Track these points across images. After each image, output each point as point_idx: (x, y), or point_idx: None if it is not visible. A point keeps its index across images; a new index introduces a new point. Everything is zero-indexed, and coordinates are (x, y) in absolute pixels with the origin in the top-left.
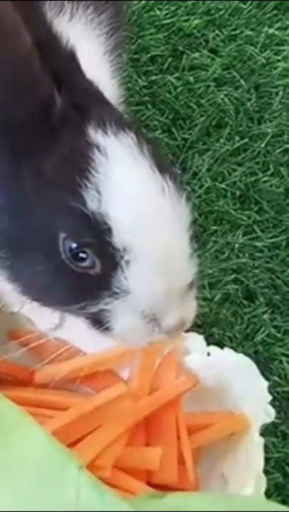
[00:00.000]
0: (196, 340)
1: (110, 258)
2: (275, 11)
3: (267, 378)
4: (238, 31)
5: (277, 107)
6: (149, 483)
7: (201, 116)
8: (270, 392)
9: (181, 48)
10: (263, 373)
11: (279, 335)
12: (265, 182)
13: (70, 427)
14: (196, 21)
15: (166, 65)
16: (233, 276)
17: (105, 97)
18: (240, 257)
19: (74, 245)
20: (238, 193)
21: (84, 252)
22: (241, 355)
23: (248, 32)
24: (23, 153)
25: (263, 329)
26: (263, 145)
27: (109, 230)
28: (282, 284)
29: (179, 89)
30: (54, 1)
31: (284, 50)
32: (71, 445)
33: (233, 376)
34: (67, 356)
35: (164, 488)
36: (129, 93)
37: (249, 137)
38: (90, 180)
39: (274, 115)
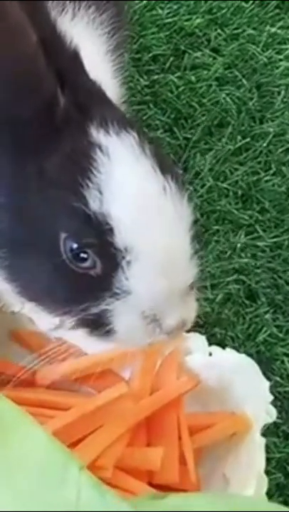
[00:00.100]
0: (197, 341)
1: (111, 258)
2: (277, 10)
3: (269, 378)
4: (240, 30)
5: (279, 106)
6: (150, 484)
7: (203, 115)
8: (272, 392)
9: (182, 47)
10: (264, 373)
11: (281, 335)
12: (267, 181)
13: (71, 427)
14: (198, 20)
15: (167, 65)
16: (235, 276)
17: (108, 97)
18: (242, 257)
19: (75, 245)
20: (240, 192)
21: (85, 253)
22: (243, 356)
23: (250, 31)
24: (26, 152)
25: (265, 329)
26: (264, 144)
27: (110, 230)
28: (284, 283)
29: (180, 89)
30: (56, 1)
31: (286, 49)
32: (72, 445)
33: (235, 376)
34: (69, 356)
35: (166, 488)
36: (130, 92)
37: (251, 136)
38: (91, 180)
39: (276, 114)
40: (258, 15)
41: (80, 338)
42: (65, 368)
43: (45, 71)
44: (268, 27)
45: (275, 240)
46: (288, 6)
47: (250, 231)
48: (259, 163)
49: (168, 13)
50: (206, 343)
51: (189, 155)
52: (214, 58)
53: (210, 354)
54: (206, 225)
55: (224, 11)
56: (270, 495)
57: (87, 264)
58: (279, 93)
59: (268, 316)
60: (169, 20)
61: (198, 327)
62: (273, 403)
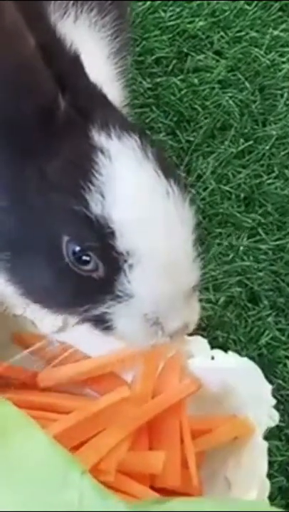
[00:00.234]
0: (199, 344)
1: (114, 261)
2: (280, 13)
3: (271, 381)
4: (242, 33)
5: (282, 109)
6: (152, 487)
7: (206, 118)
8: (275, 396)
9: (185, 50)
10: (267, 376)
11: (283, 338)
12: (269, 184)
13: (73, 431)
14: (201, 23)
15: (170, 67)
16: (238, 278)
17: (109, 100)
18: (245, 260)
19: (77, 248)
20: (242, 195)
21: (87, 256)
22: (245, 359)
23: (252, 34)
24: (27, 155)
25: (267, 332)
26: (267, 147)
27: (112, 234)
28: (286, 286)
29: (183, 92)
30: (58, 4)
31: None
32: (74, 448)
33: (237, 380)
34: (71, 359)
35: (168, 492)
36: (133, 95)
37: (254, 139)
38: (93, 184)
39: (279, 117)
40: (260, 17)
41: (82, 341)
42: (67, 370)
43: (44, 74)
44: (270, 30)
45: (277, 242)
46: None
47: (252, 234)
48: (262, 166)
49: (171, 15)
50: (208, 346)
51: (192, 158)
52: (217, 61)
53: (212, 357)
54: (209, 227)
55: (227, 13)
56: (272, 498)
57: (89, 267)
58: (282, 96)
59: (270, 319)
60: (172, 22)
61: (200, 330)
62: (276, 406)
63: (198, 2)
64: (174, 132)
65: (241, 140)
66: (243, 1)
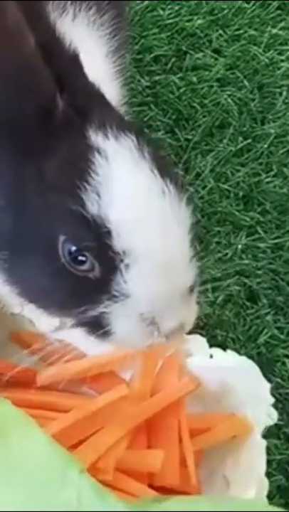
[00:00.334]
0: (198, 342)
1: (110, 261)
2: (278, 11)
3: (270, 380)
4: (241, 31)
5: (280, 107)
6: (151, 486)
7: (204, 116)
8: (273, 394)
9: (184, 48)
10: (265, 375)
11: (282, 336)
12: (268, 183)
13: (71, 429)
14: (200, 21)
15: (169, 65)
16: (236, 277)
17: (107, 100)
18: (243, 258)
19: (73, 248)
20: (241, 193)
21: (83, 256)
22: (244, 358)
23: (251, 32)
24: (25, 155)
25: (266, 331)
26: (266, 146)
27: (108, 234)
28: (285, 285)
29: (182, 90)
30: (57, 2)
31: (287, 50)
32: (73, 447)
33: (236, 378)
34: (69, 358)
35: (166, 490)
36: (132, 93)
37: (252, 138)
38: (90, 183)
39: (277, 115)
40: (259, 16)
41: (80, 340)
42: (66, 369)
43: (44, 73)
44: (269, 28)
45: (276, 241)
46: None
47: (251, 232)
48: (260, 164)
49: (169, 14)
50: (206, 345)
51: (190, 156)
52: (216, 59)
53: (211, 356)
54: (207, 226)
55: (225, 11)
56: (271, 497)
57: (85, 267)
58: (281, 94)
59: (269, 317)
60: (171, 21)
61: (198, 329)
62: (274, 405)
63: (197, 0)
64: (172, 130)
65: (240, 138)
66: (241, 0)
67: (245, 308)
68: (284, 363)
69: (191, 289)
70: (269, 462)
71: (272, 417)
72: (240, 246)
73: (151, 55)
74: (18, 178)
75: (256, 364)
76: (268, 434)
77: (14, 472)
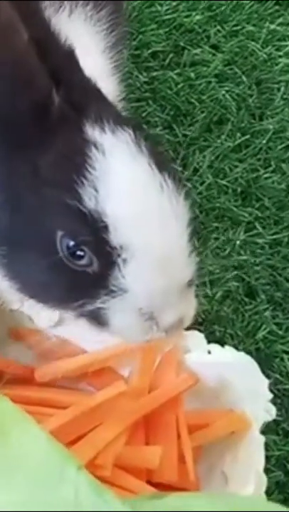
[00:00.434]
0: (196, 338)
1: (108, 256)
2: (276, 7)
3: (268, 376)
4: (239, 27)
5: (278, 103)
6: (149, 482)
7: (202, 112)
8: (272, 390)
9: (182, 44)
10: (264, 371)
11: (280, 332)
12: (266, 178)
13: (70, 426)
14: (198, 17)
15: (167, 61)
16: (235, 273)
17: (103, 94)
18: (242, 254)
19: (71, 243)
20: (239, 189)
21: (81, 250)
22: (242, 353)
23: (249, 27)
24: (21, 150)
25: (264, 326)
26: (264, 141)
27: (106, 228)
28: (283, 280)
29: (180, 86)
30: None
31: (286, 46)
32: (71, 443)
33: (234, 374)
34: (68, 354)
35: (165, 486)
36: (130, 89)
37: (250, 133)
38: (86, 178)
39: (276, 111)
40: (257, 11)
41: (79, 336)
42: (64, 365)
43: (38, 69)
44: (267, 24)
45: (274, 237)
46: (288, 2)
47: (249, 228)
48: (259, 160)
49: (167, 9)
50: (204, 340)
51: (188, 152)
52: (214, 55)
53: (209, 352)
54: (205, 222)
55: (224, 7)
56: (269, 493)
57: (83, 261)
58: (279, 90)
59: (267, 313)
60: (169, 16)
61: (197, 325)
62: (273, 401)
63: None
64: (170, 126)
65: (238, 134)
66: None
67: (243, 304)
68: (282, 359)
69: (190, 284)
70: (267, 458)
71: (270, 412)
72: (238, 242)
73: (149, 51)
74: (13, 174)
75: (254, 360)
76: (267, 430)
77: (13, 470)
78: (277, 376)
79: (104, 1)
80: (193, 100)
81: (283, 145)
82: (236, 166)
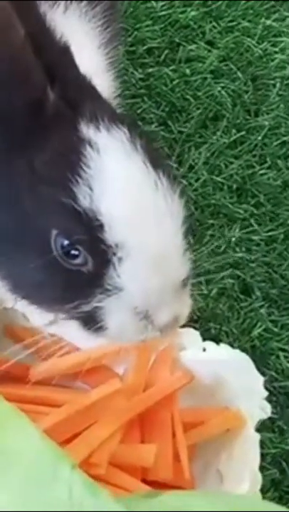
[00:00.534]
0: (191, 336)
1: (102, 255)
2: (272, 2)
3: (263, 373)
4: (235, 23)
5: (274, 99)
6: (144, 480)
7: (198, 108)
8: (267, 387)
9: (177, 40)
10: (259, 368)
11: (276, 329)
12: (262, 175)
13: (64, 424)
14: (193, 13)
15: (162, 57)
16: (230, 270)
17: (98, 92)
18: (237, 251)
19: (66, 242)
20: (234, 186)
21: (76, 249)
22: (237, 351)
23: (245, 23)
24: (16, 148)
25: (259, 324)
26: (260, 138)
27: (101, 227)
28: (279, 278)
29: (175, 82)
30: None
31: (281, 42)
32: (66, 442)
33: (229, 372)
34: (63, 352)
35: (160, 485)
36: (125, 85)
37: (246, 130)
38: (81, 176)
39: (271, 107)
40: (253, 7)
41: (73, 334)
42: (59, 363)
43: (34, 66)
44: (263, 19)
45: (270, 233)
46: None
47: (245, 225)
48: (254, 156)
49: (162, 5)
50: (200, 338)
51: (184, 148)
52: (209, 51)
53: (204, 349)
54: (201, 219)
55: (219, 3)
56: (265, 491)
57: (78, 260)
58: (274, 86)
59: (262, 310)
60: (164, 12)
61: (192, 322)
62: (268, 398)
63: None
64: (165, 123)
65: (233, 130)
66: None
67: (238, 301)
68: (278, 356)
69: (185, 283)
70: (263, 456)
71: (265, 410)
72: (233, 239)
73: (145, 47)
74: (7, 172)
75: (250, 357)
76: (262, 427)
77: (7, 469)
78: (273, 374)
79: None
80: (188, 96)
81: (279, 141)
82: (232, 163)
